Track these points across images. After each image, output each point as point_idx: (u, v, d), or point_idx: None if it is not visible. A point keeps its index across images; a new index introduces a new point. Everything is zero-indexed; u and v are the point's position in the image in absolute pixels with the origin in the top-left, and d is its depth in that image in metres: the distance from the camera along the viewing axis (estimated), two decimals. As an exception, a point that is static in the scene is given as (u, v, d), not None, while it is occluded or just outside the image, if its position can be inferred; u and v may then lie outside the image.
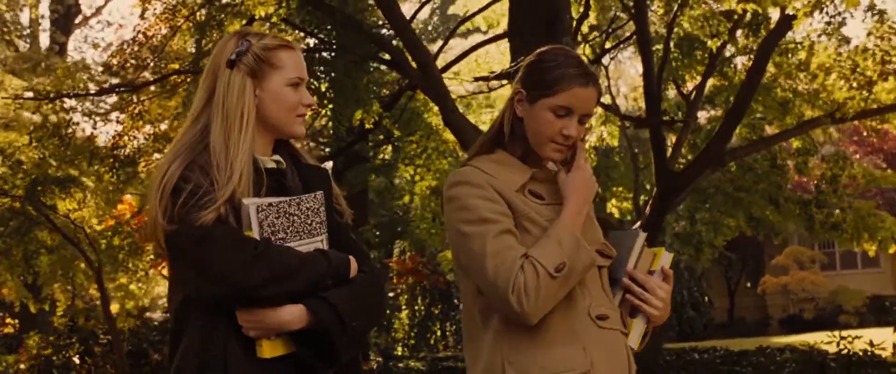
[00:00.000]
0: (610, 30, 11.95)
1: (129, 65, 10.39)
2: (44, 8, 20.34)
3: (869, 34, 8.53)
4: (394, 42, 9.59)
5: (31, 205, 11.43)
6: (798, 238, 22.94)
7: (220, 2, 9.76)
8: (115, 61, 10.73)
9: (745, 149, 11.22)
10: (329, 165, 15.65)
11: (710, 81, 11.74)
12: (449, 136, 10.99)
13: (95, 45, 24.38)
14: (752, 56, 10.30)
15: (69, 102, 11.57)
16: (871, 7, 7.54)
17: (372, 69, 11.10)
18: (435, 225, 12.97)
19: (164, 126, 11.47)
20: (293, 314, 1.99)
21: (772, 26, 9.74)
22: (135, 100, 10.81)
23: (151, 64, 10.42)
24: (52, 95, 10.77)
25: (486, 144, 2.27)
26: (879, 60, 8.23)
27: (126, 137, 11.13)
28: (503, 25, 11.29)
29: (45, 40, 21.00)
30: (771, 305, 24.42)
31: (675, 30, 10.87)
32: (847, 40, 10.18)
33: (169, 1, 10.23)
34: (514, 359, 2.08)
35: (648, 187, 13.84)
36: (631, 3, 10.21)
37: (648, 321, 2.24)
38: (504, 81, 11.11)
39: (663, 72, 10.45)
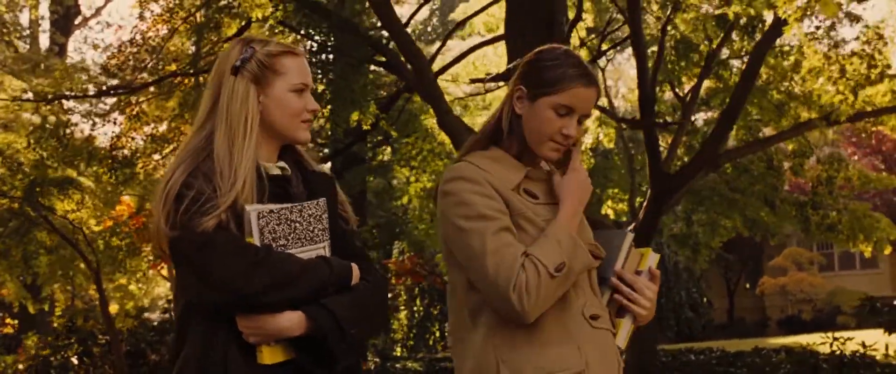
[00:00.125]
0: (606, 32, 11.98)
1: (126, 67, 10.43)
2: (43, 9, 20.36)
3: (856, 38, 8.57)
4: (389, 45, 9.64)
5: (30, 206, 11.46)
6: (796, 240, 22.97)
7: (218, 4, 9.81)
8: (113, 63, 10.77)
9: (739, 151, 11.26)
10: (327, 166, 15.69)
11: (707, 83, 11.78)
12: (445, 137, 11.03)
13: (95, 46, 24.41)
14: (746, 59, 10.34)
15: (68, 103, 11.60)
16: (848, 15, 7.59)
17: (370, 71, 11.16)
18: (433, 226, 13.00)
19: (162, 128, 11.52)
20: (292, 321, 2.00)
21: (767, 28, 9.79)
22: (133, 101, 10.85)
23: (149, 65, 10.46)
24: (50, 97, 10.81)
25: (482, 140, 2.25)
26: (866, 64, 8.26)
27: (124, 139, 11.19)
28: (502, 29, 11.34)
29: (44, 41, 21.04)
30: (769, 306, 24.46)
31: (672, 32, 10.91)
32: (844, 41, 10.24)
33: (167, 2, 10.29)
34: (508, 358, 2.07)
35: (644, 188, 13.87)
36: (624, 6, 10.25)
37: (635, 320, 2.24)
38: (500, 83, 11.14)
39: (657, 74, 10.48)
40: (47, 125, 11.06)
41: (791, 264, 23.49)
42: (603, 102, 12.94)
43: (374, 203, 19.51)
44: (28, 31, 19.97)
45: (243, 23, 9.75)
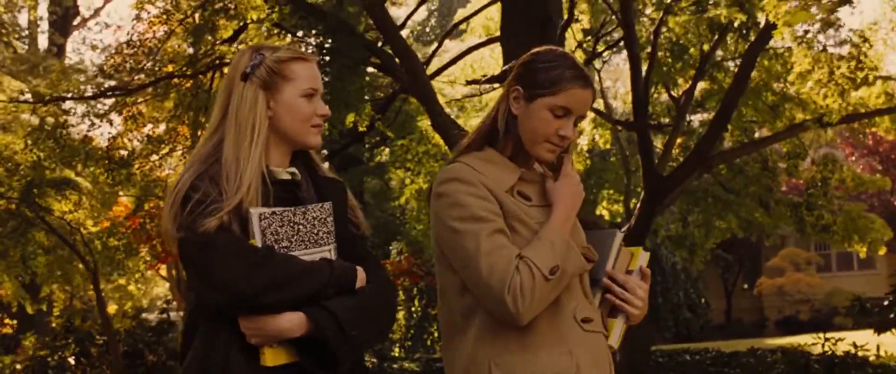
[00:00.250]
0: (600, 34, 12.01)
1: (123, 68, 10.46)
2: (42, 10, 20.40)
3: (843, 42, 8.61)
4: (385, 47, 9.68)
5: (27, 207, 11.49)
6: (794, 240, 23.00)
7: (214, 6, 9.84)
8: (109, 64, 10.81)
9: (734, 152, 11.29)
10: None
11: (702, 85, 11.82)
12: (440, 139, 11.07)
13: (94, 47, 24.42)
14: (739, 61, 10.38)
15: (66, 104, 11.64)
16: (823, 21, 7.62)
17: (366, 73, 11.19)
18: (430, 227, 12.98)
19: (159, 129, 11.55)
20: (293, 322, 2.01)
21: (760, 30, 9.82)
22: (129, 102, 10.88)
23: (146, 67, 10.49)
24: (47, 98, 10.85)
25: (477, 140, 2.25)
26: (853, 67, 8.29)
27: (121, 139, 11.22)
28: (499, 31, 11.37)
29: (43, 42, 21.06)
30: (767, 306, 24.47)
31: (666, 34, 10.94)
32: (839, 44, 10.28)
33: (165, 3, 10.32)
34: (500, 361, 2.07)
35: (639, 190, 13.90)
36: (618, 8, 10.29)
37: (627, 320, 2.25)
38: (496, 85, 11.18)
39: (650, 76, 10.52)
40: (46, 127, 11.09)
41: (789, 265, 23.53)
42: (599, 103, 12.98)
43: (371, 204, 19.54)
44: (27, 32, 20.00)
45: (239, 25, 9.79)
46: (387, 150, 16.36)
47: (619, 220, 14.06)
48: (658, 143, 13.00)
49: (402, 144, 12.00)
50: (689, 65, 11.30)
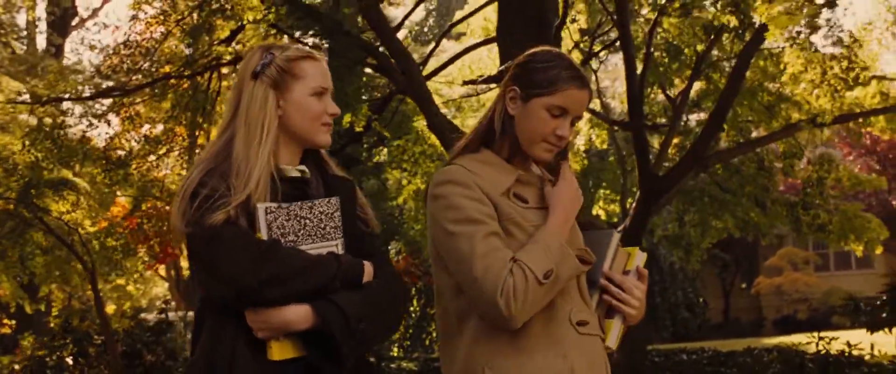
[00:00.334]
0: (597, 34, 12.04)
1: (120, 69, 10.48)
2: (40, 10, 20.41)
3: (835, 43, 8.65)
4: (381, 48, 9.70)
5: (25, 207, 11.51)
6: (792, 240, 23.01)
7: (211, 7, 9.85)
8: (107, 64, 10.83)
9: (730, 152, 11.31)
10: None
11: (698, 85, 11.84)
12: (436, 140, 11.08)
13: (92, 47, 24.40)
14: (734, 61, 10.40)
15: (64, 104, 11.66)
16: (809, 24, 7.66)
17: (363, 74, 11.20)
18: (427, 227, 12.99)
19: (157, 129, 11.58)
20: (298, 314, 2.01)
21: (755, 30, 9.84)
22: (127, 103, 10.90)
23: (144, 67, 10.51)
24: (45, 99, 10.87)
25: (474, 141, 2.25)
26: (845, 68, 8.32)
27: (119, 140, 11.25)
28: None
29: (41, 42, 21.07)
30: (765, 306, 24.47)
31: (661, 34, 10.96)
32: (833, 45, 10.30)
33: (162, 4, 10.33)
34: (494, 364, 2.07)
35: (635, 189, 13.93)
36: (613, 9, 10.32)
37: (625, 320, 2.25)
38: (493, 85, 11.20)
39: (645, 76, 10.54)
40: (44, 127, 11.11)
41: (786, 264, 23.52)
42: (595, 103, 13.00)
43: (370, 204, 19.51)
44: (25, 33, 20.02)
45: (236, 26, 9.81)
46: (385, 150, 16.37)
47: (615, 219, 14.08)
48: (654, 142, 13.02)
49: (398, 144, 12.02)
50: (684, 65, 11.33)
